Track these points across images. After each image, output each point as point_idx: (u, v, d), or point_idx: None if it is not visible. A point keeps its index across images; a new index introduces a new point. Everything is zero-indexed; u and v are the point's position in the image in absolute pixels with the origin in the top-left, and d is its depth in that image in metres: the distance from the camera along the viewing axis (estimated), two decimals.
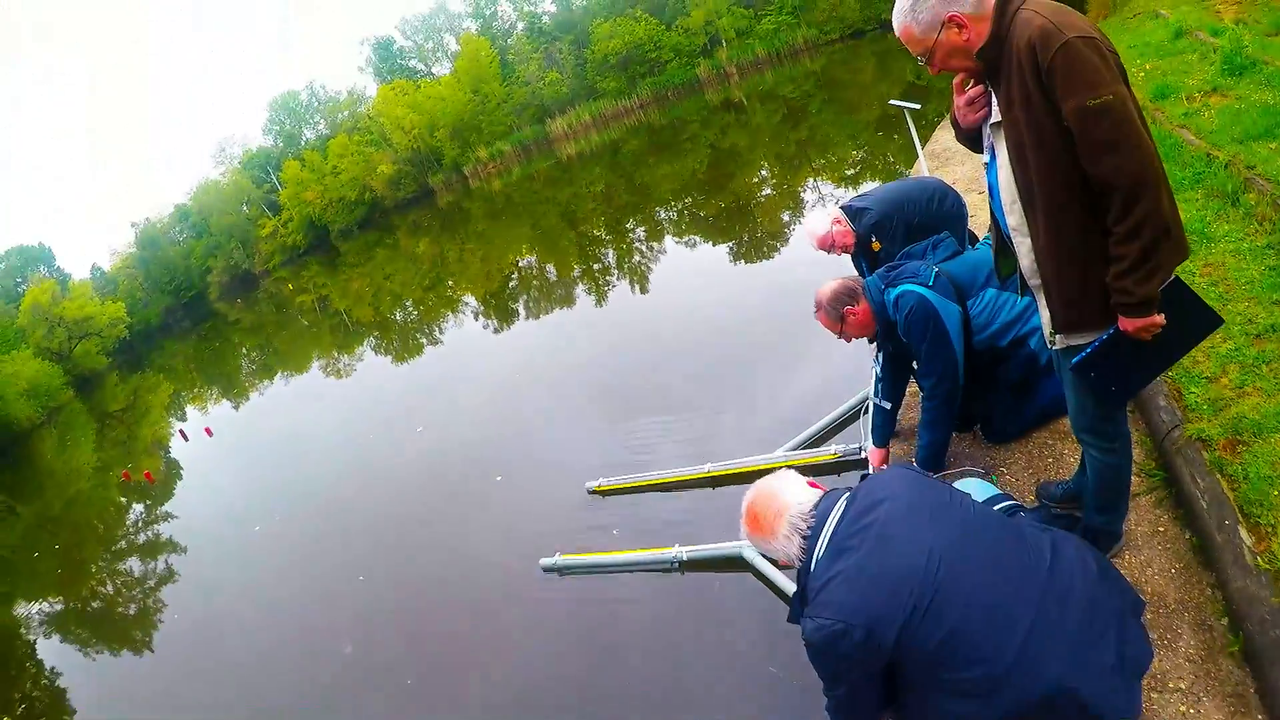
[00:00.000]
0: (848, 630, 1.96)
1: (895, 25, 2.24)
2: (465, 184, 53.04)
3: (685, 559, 4.31)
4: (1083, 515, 3.02)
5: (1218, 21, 10.88)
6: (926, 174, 6.62)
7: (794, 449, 4.76)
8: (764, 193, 18.37)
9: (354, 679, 4.94)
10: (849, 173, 17.19)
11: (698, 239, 15.82)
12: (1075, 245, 2.19)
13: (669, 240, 16.76)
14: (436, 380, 12.70)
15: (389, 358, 16.83)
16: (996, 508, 2.47)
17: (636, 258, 16.28)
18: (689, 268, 13.73)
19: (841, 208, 4.66)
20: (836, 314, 3.70)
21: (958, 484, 2.69)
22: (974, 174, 8.27)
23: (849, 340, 3.85)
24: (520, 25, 64.27)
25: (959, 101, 2.38)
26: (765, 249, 13.38)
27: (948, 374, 3.48)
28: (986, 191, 2.51)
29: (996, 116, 2.25)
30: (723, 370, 7.55)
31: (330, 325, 25.98)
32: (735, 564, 4.17)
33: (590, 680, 4.11)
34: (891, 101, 6.45)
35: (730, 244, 14.29)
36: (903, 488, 2.19)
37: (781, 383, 6.48)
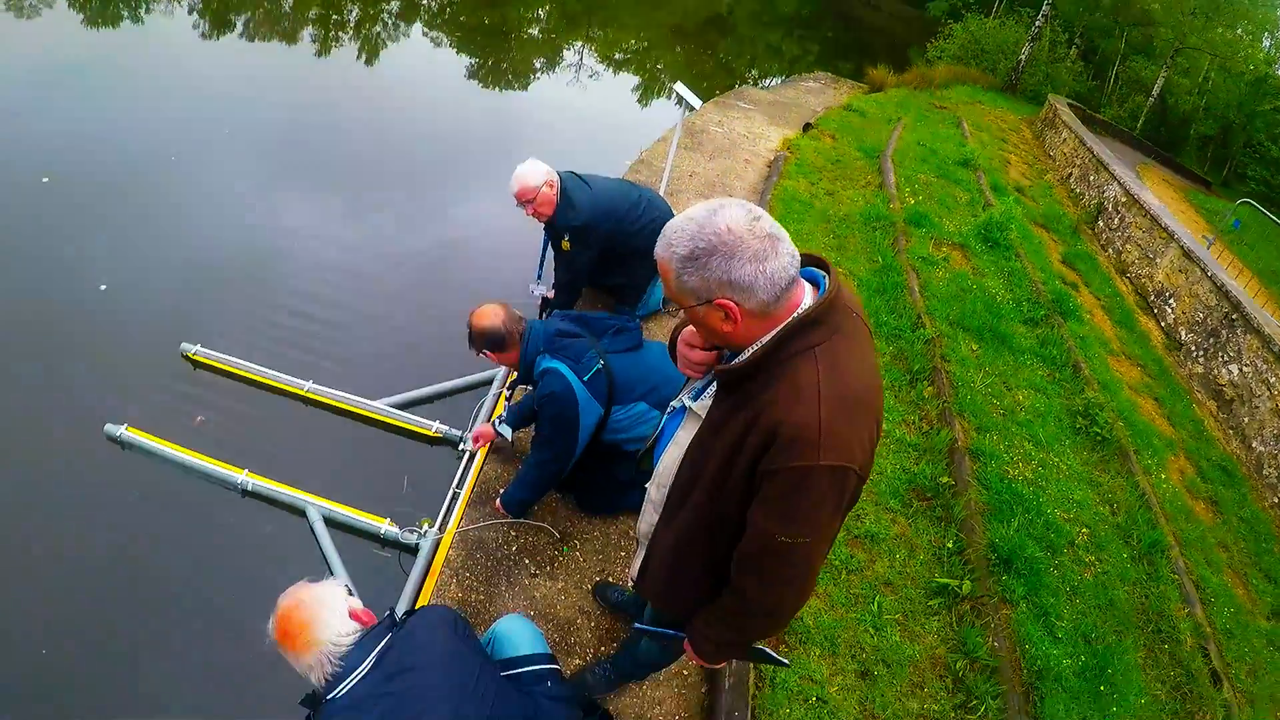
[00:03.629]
0: None
1: (656, 252, 1.64)
2: None
3: (250, 489, 3.91)
4: (622, 649, 3.00)
5: (1003, 172, 11.85)
6: (675, 148, 6.41)
7: (398, 405, 4.50)
8: (531, 31, 17.75)
9: None
10: (617, 57, 17.25)
11: (445, 40, 14.97)
12: (688, 571, 1.97)
13: (418, 28, 15.60)
14: (105, 56, 9.65)
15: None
16: (535, 668, 2.46)
17: (378, 28, 14.96)
18: (423, 63, 13.08)
19: (562, 175, 4.43)
20: (476, 348, 3.50)
21: (506, 624, 2.61)
22: (715, 176, 8.18)
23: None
24: None
25: (683, 347, 1.89)
26: (504, 82, 13.17)
27: (560, 458, 3.40)
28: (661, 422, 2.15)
29: (701, 408, 1.84)
30: (394, 195, 7.06)
31: None
32: (297, 513, 3.88)
33: (120, 566, 3.60)
34: (678, 86, 5.92)
35: (473, 61, 13.73)
36: (435, 659, 2.11)
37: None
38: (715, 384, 1.78)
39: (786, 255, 1.56)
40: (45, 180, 6.20)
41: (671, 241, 1.57)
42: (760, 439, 1.61)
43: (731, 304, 1.56)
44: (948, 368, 5.50)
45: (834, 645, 3.42)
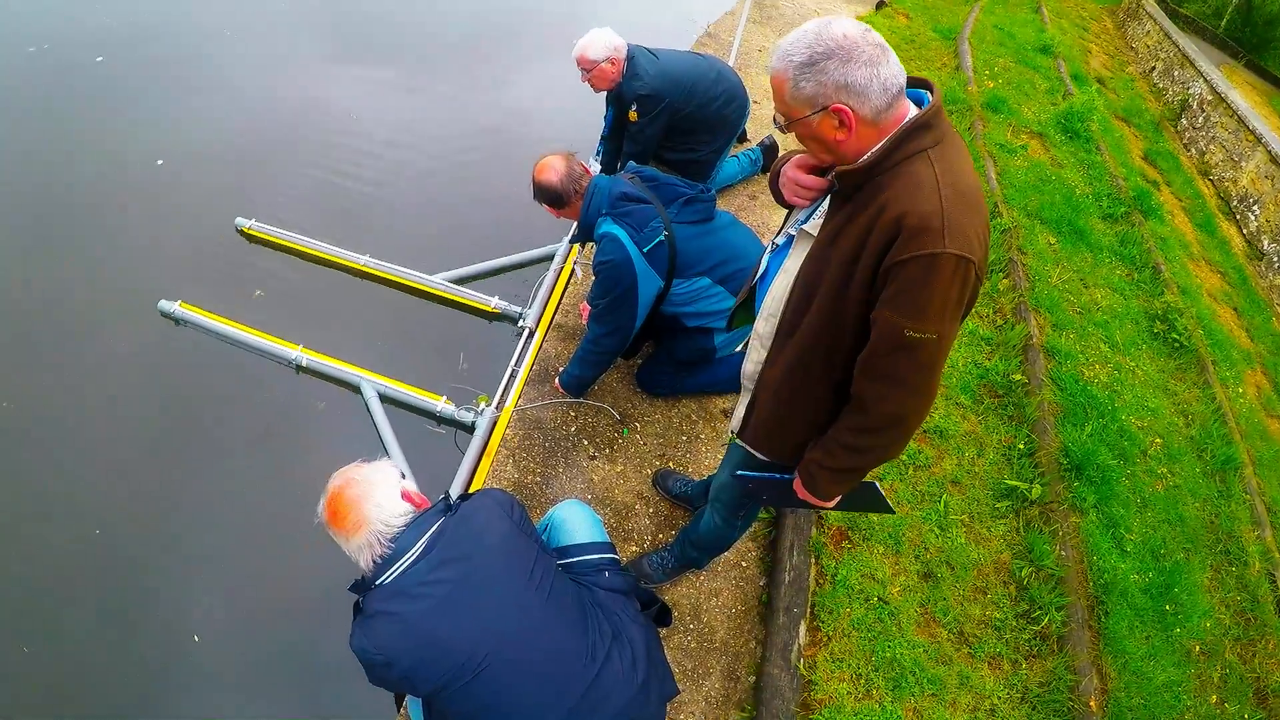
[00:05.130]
0: (389, 664, 1.89)
1: (770, 65, 1.70)
2: None
3: (304, 365, 3.81)
4: (680, 535, 2.95)
5: (1083, 62, 11.06)
6: (744, 21, 5.99)
7: (456, 280, 4.35)
8: None
9: None
10: None
11: None
12: (800, 400, 1.95)
13: None
14: None
15: None
16: (592, 558, 2.35)
17: None
18: None
19: (630, 47, 4.20)
20: (538, 200, 3.27)
21: (563, 510, 2.50)
22: None
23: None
24: None
25: (793, 172, 1.90)
26: None
27: (619, 332, 3.23)
28: (763, 262, 2.10)
29: (813, 227, 1.83)
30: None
31: None
32: (352, 389, 3.79)
33: (170, 435, 3.59)
34: None
35: None
36: (490, 546, 2.01)
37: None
38: (826, 203, 1.81)
39: (896, 64, 1.62)
40: (99, 60, 6.01)
41: (788, 51, 1.63)
42: (884, 235, 1.63)
43: (847, 109, 1.61)
44: (1024, 260, 5.17)
45: (898, 544, 3.27)
